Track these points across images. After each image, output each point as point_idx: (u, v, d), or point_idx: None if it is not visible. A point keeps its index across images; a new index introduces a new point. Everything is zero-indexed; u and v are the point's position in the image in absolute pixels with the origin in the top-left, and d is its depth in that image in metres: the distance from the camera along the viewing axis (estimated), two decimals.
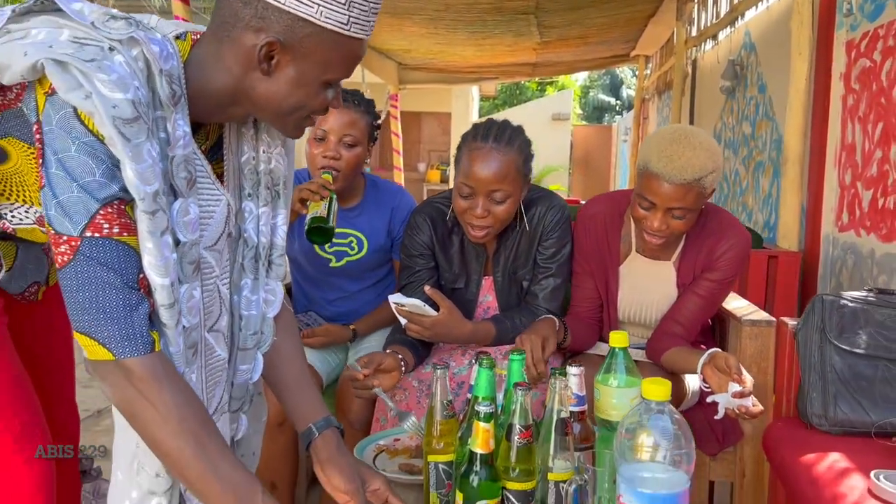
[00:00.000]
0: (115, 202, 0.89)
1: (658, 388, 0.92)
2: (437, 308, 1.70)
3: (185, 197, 0.97)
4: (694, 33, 6.25)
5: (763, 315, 1.82)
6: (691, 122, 6.68)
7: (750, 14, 4.79)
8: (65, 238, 0.88)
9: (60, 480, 1.17)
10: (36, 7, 0.93)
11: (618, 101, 27.13)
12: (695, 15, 6.28)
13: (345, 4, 0.97)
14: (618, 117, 26.96)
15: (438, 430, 1.20)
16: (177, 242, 0.97)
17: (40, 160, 0.89)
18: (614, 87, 27.39)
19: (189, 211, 0.98)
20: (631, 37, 7.69)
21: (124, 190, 0.90)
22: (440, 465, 1.19)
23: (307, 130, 1.79)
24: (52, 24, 0.90)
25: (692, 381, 1.78)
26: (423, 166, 13.38)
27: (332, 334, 1.97)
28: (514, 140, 1.71)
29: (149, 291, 0.93)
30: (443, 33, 7.15)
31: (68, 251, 0.88)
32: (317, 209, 1.73)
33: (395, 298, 1.68)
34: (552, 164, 12.53)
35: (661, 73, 7.94)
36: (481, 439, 1.08)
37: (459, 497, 1.08)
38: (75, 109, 0.87)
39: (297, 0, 0.94)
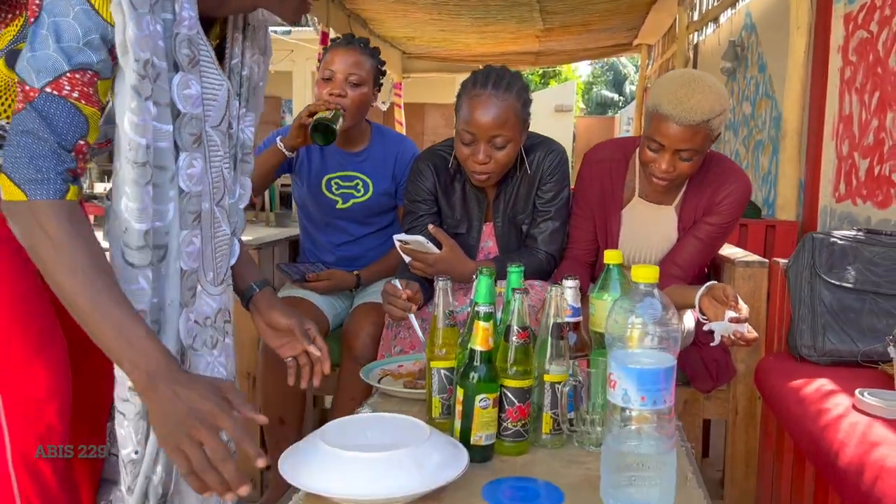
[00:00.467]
0: (88, 71, 0.95)
1: (647, 272, 0.98)
2: (440, 247, 1.76)
3: (186, 72, 1.04)
4: (696, 17, 6.29)
5: (756, 257, 1.88)
6: None
7: None
8: (26, 88, 0.93)
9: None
10: None
11: (621, 97, 27.18)
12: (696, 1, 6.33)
13: None
14: (622, 111, 27.06)
15: (441, 337, 1.25)
16: (176, 115, 1.03)
17: (32, 19, 0.94)
18: (618, 83, 27.44)
19: (189, 86, 1.05)
20: (633, 24, 7.74)
21: (102, 64, 0.96)
22: (442, 371, 1.25)
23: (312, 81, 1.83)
24: None
25: (687, 322, 1.83)
26: None
27: (336, 278, 2.04)
28: (512, 86, 1.76)
29: (85, 160, 0.97)
30: (446, 19, 7.21)
31: (23, 100, 0.94)
32: (324, 114, 1.87)
33: (399, 236, 1.74)
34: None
35: (662, 62, 7.98)
36: (481, 337, 1.14)
37: (460, 393, 1.14)
38: None
39: None
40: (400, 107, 9.60)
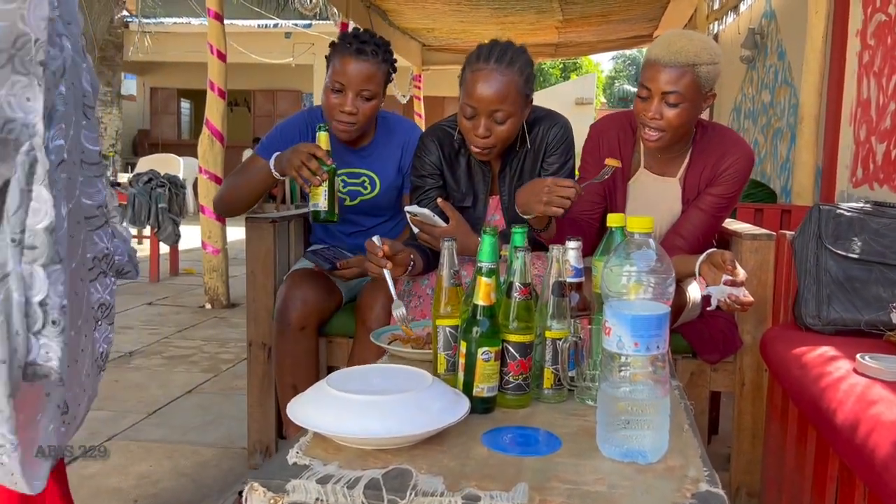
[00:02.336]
0: None
1: (641, 222, 1.01)
2: (447, 221, 1.80)
3: None
4: (716, 6, 6.25)
5: (763, 230, 1.89)
6: None
7: None
8: None
9: None
10: None
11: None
12: None
13: None
14: None
15: (446, 296, 1.29)
16: None
17: None
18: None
19: None
20: (653, 14, 7.69)
21: None
22: (447, 329, 1.28)
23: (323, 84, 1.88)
24: None
25: (693, 293, 1.85)
26: None
27: (362, 264, 2.06)
28: (515, 61, 1.77)
29: None
30: (465, 10, 7.22)
31: None
32: (316, 200, 1.78)
33: (409, 208, 1.78)
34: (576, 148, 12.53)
35: None
36: (483, 293, 1.17)
37: (463, 346, 1.18)
38: None
39: None
40: (420, 99, 9.64)
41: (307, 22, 10.90)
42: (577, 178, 1.94)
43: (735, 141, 1.85)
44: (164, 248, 5.35)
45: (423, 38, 8.90)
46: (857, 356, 1.39)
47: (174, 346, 3.49)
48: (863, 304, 1.64)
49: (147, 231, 5.22)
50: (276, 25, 11.32)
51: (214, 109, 4.37)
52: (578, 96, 12.60)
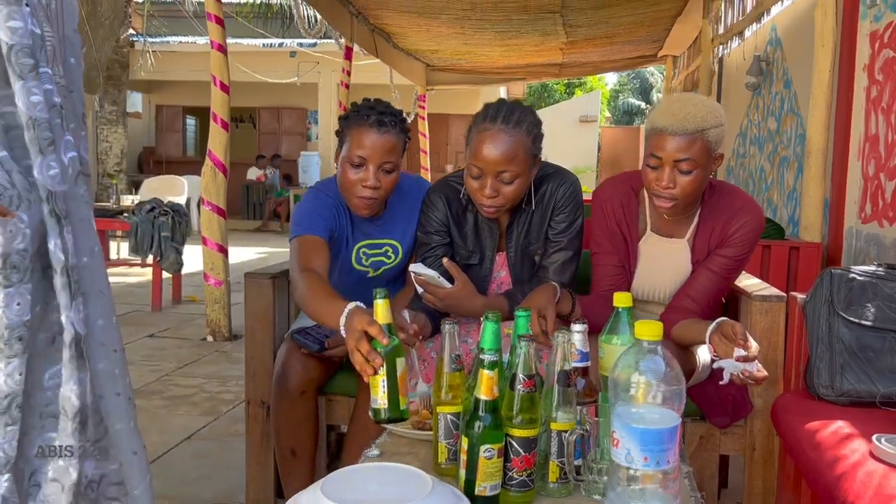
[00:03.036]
0: None
1: (650, 328, 0.97)
2: (452, 281, 1.76)
3: None
4: (721, 31, 6.23)
5: (773, 290, 1.85)
6: None
7: (776, 10, 4.78)
8: None
9: None
10: None
11: (647, 105, 27.01)
12: (721, 12, 6.26)
13: None
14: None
15: (447, 382, 1.25)
16: None
17: None
18: (644, 91, 27.25)
19: None
20: (658, 36, 7.68)
21: None
22: (448, 416, 1.24)
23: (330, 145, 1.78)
24: None
25: (703, 355, 1.81)
26: (450, 168, 13.45)
27: None
28: (522, 121, 1.74)
29: None
30: (469, 33, 7.22)
31: None
32: (375, 393, 1.29)
33: (414, 268, 1.73)
34: (579, 166, 12.51)
35: (688, 73, 7.91)
36: (485, 386, 1.13)
37: (465, 442, 1.14)
38: None
39: None
40: (424, 119, 9.64)
41: (312, 41, 10.91)
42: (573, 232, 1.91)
43: (744, 202, 1.80)
44: (167, 274, 5.32)
45: (427, 58, 8.91)
46: (874, 438, 1.35)
47: (175, 385, 3.45)
48: (877, 375, 1.59)
49: (150, 259, 5.19)
50: (280, 45, 11.34)
51: (217, 141, 4.36)
52: (583, 114, 12.58)
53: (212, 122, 4.38)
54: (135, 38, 11.44)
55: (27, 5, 1.17)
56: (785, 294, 1.82)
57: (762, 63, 5.02)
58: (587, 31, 7.16)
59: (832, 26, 3.43)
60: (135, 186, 11.86)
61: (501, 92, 12.51)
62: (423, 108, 9.60)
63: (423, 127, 9.67)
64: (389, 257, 2.02)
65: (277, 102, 13.46)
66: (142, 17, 11.39)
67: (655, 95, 25.60)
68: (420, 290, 1.77)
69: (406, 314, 1.64)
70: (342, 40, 6.79)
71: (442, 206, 1.92)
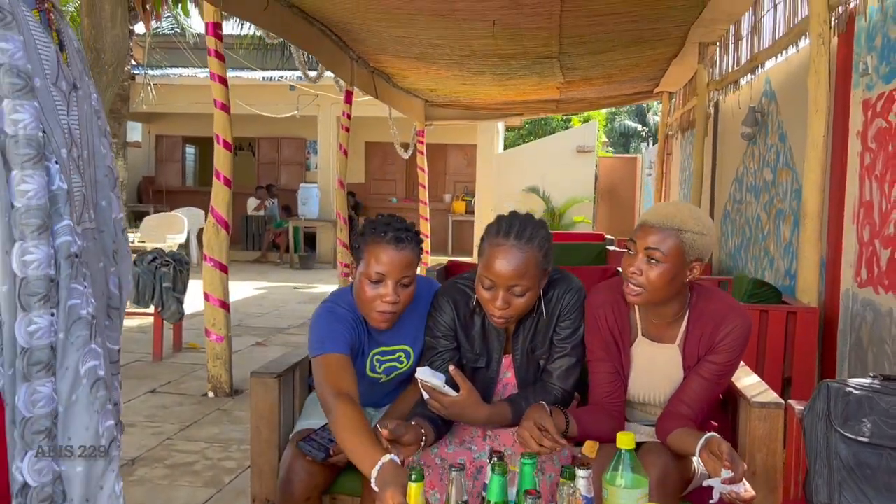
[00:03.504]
0: None
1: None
2: (457, 389, 1.79)
3: (13, 99, 1.16)
4: (716, 76, 6.31)
5: (772, 396, 1.88)
6: (714, 164, 6.72)
7: (770, 64, 4.85)
8: None
9: None
10: None
11: (644, 127, 27.15)
12: (717, 58, 6.35)
13: None
14: (643, 144, 26.97)
15: None
16: None
17: None
18: (640, 114, 27.42)
19: (7, 39, 1.15)
20: (654, 76, 7.78)
21: None
22: None
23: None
24: None
25: (701, 464, 1.83)
26: (448, 197, 13.53)
27: None
28: (534, 237, 1.80)
29: None
30: (468, 76, 7.31)
31: None
32: None
33: (421, 374, 1.77)
34: (577, 196, 12.58)
35: (684, 111, 8.00)
36: None
37: None
38: None
39: None
40: (423, 153, 9.71)
41: (312, 74, 11.00)
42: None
43: (731, 308, 1.84)
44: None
45: (426, 95, 9.00)
46: None
47: (177, 451, 3.46)
48: (874, 493, 1.62)
49: (150, 309, 5.21)
50: (280, 78, 11.44)
51: (220, 198, 4.40)
52: (580, 144, 12.67)
53: (214, 180, 4.43)
54: (136, 71, 11.53)
55: (56, 162, 1.23)
56: (783, 402, 1.85)
57: (757, 114, 5.08)
58: (584, 73, 7.25)
59: (825, 92, 3.50)
60: (135, 217, 11.91)
61: (499, 123, 12.61)
62: (422, 142, 9.68)
63: (422, 162, 9.74)
64: (402, 362, 2.05)
65: (277, 133, 13.54)
66: (143, 49, 11.50)
67: (652, 118, 25.76)
68: (426, 396, 1.80)
69: (383, 424, 1.66)
70: (342, 83, 6.86)
71: (450, 310, 1.95)
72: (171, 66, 12.68)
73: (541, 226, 1.83)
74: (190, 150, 14.93)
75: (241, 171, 13.49)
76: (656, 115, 24.54)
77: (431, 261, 10.08)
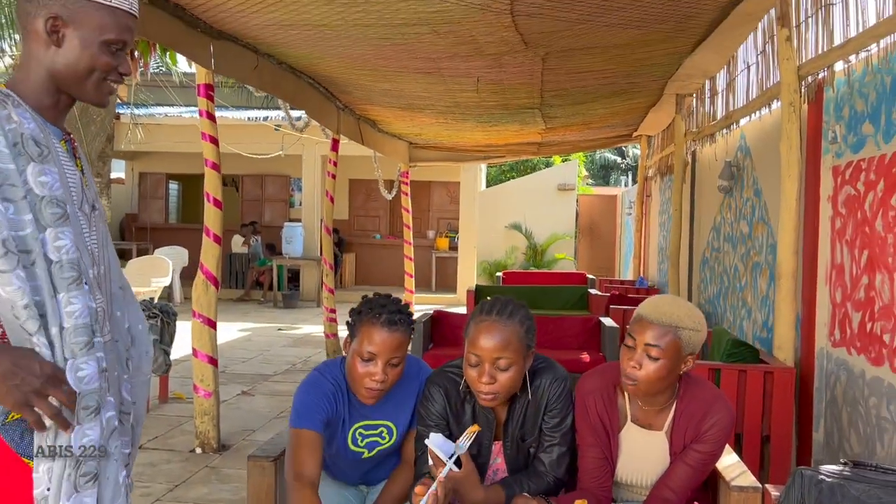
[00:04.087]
0: None
1: None
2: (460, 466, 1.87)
3: (39, 163, 1.30)
4: (693, 127, 6.50)
5: (750, 480, 1.96)
6: (692, 211, 6.89)
7: (744, 121, 5.03)
8: None
9: None
10: None
11: (624, 160, 27.58)
12: (694, 108, 6.54)
13: None
14: (623, 177, 27.37)
15: None
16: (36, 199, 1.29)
17: None
18: (619, 147, 27.85)
19: (45, 173, 1.30)
20: (633, 122, 7.99)
21: None
22: None
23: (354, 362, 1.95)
24: None
25: None
26: (431, 233, 13.64)
27: None
28: (515, 314, 1.92)
29: None
30: (452, 122, 7.46)
31: None
32: None
33: (433, 441, 1.85)
34: (558, 233, 12.75)
35: (663, 156, 8.19)
36: None
37: None
38: None
39: None
40: (407, 195, 9.82)
41: (297, 115, 11.12)
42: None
43: (716, 398, 1.95)
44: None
45: (411, 138, 9.14)
46: None
47: None
48: None
49: None
50: (265, 118, 11.54)
51: (210, 254, 4.46)
52: (561, 182, 12.88)
53: (204, 237, 4.49)
54: (120, 111, 11.58)
55: (86, 283, 1.32)
56: (760, 486, 1.94)
57: (733, 168, 5.24)
58: (564, 120, 7.44)
59: (797, 158, 3.66)
60: (119, 255, 11.86)
61: (482, 166, 12.78)
62: (407, 183, 9.80)
63: (406, 202, 9.85)
64: (384, 438, 2.12)
65: (260, 170, 13.61)
66: (129, 88, 11.56)
67: (631, 150, 26.17)
68: (431, 462, 1.88)
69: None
70: (329, 133, 6.97)
71: (441, 398, 2.03)
72: (156, 105, 12.74)
73: (521, 305, 1.95)
74: (173, 187, 14.94)
75: (225, 207, 13.51)
76: (635, 147, 24.95)
77: (416, 300, 10.15)
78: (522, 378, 1.95)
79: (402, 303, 2.05)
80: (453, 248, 13.02)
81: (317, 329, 9.19)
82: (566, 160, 13.52)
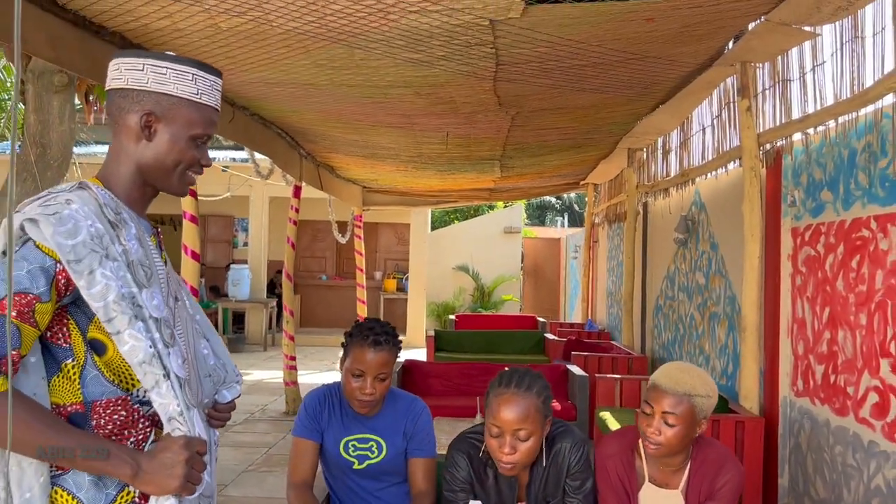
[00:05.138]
0: (29, 296, 1.22)
1: None
2: None
3: (148, 287, 1.35)
4: (646, 180, 6.80)
5: None
6: (644, 259, 7.18)
7: (700, 178, 5.33)
8: None
9: None
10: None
11: (559, 200, 28.31)
12: (644, 161, 6.85)
13: (192, 81, 1.40)
14: (558, 218, 28.07)
15: None
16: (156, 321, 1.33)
17: None
18: None
19: (154, 297, 1.35)
20: (583, 172, 8.31)
21: (44, 293, 1.24)
22: None
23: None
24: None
25: None
26: (379, 275, 13.66)
27: None
28: (533, 385, 2.05)
29: (13, 368, 1.22)
30: (412, 170, 7.60)
31: None
32: None
33: None
34: (504, 275, 12.99)
35: (611, 205, 8.52)
36: None
37: None
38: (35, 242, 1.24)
39: (158, 83, 1.38)
40: (360, 238, 9.86)
41: (245, 156, 11.05)
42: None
43: (727, 457, 2.12)
44: None
45: (366, 183, 9.23)
46: None
47: None
48: None
49: None
50: (214, 159, 11.42)
51: None
52: (507, 225, 13.17)
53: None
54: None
55: (141, 321, 1.34)
56: None
57: (688, 222, 5.52)
58: (520, 170, 7.69)
59: (759, 220, 3.91)
60: None
61: (428, 211, 12.95)
62: (360, 227, 9.84)
63: (360, 245, 9.88)
64: (374, 452, 2.34)
65: (203, 210, 13.37)
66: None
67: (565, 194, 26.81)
68: None
69: None
70: (291, 180, 6.99)
71: (465, 464, 2.12)
72: (98, 143, 12.42)
73: (538, 376, 2.09)
74: None
75: (165, 248, 13.19)
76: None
77: None
78: (541, 445, 2.06)
79: (388, 325, 2.33)
80: (401, 288, 13.07)
81: (268, 375, 9.04)
82: (508, 205, 13.83)
